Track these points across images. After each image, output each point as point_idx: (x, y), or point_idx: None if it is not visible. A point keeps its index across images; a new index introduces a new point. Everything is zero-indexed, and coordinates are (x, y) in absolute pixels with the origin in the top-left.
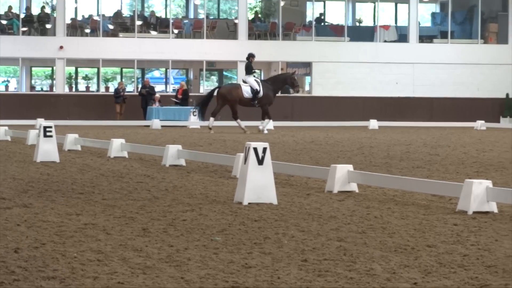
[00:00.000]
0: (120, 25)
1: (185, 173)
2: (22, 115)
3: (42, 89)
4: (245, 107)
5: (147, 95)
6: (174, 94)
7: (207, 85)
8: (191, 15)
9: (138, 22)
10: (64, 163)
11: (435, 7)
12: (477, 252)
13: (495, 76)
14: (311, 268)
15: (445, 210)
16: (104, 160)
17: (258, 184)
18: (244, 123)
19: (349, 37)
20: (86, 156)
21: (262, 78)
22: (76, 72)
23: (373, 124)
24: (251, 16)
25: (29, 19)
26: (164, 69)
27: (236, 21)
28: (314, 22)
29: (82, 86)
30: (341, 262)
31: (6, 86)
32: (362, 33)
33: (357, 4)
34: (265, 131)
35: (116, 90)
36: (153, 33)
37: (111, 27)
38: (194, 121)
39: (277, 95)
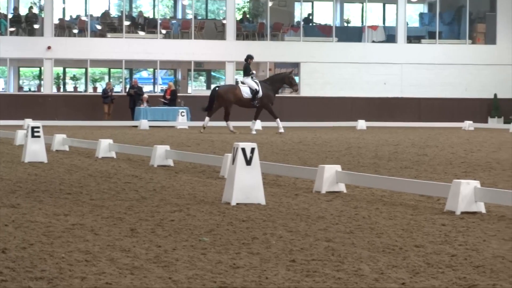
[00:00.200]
0: (108, 25)
1: (173, 174)
2: (10, 115)
3: (30, 90)
4: (244, 107)
5: (135, 96)
6: (162, 94)
7: (195, 86)
8: (179, 16)
9: (126, 23)
10: (52, 164)
11: (423, 8)
12: (465, 252)
13: (483, 77)
14: (299, 268)
15: (433, 210)
16: (92, 160)
17: (246, 184)
18: (232, 123)
19: (337, 37)
20: (74, 157)
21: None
22: (64, 73)
23: (361, 124)
24: (239, 16)
25: (16, 20)
26: (152, 69)
27: (224, 21)
28: (302, 23)
29: (70, 87)
30: (329, 263)
31: None
32: (350, 34)
33: (345, 5)
34: (254, 132)
35: (104, 91)
36: (141, 33)
37: (99, 27)
38: (182, 122)
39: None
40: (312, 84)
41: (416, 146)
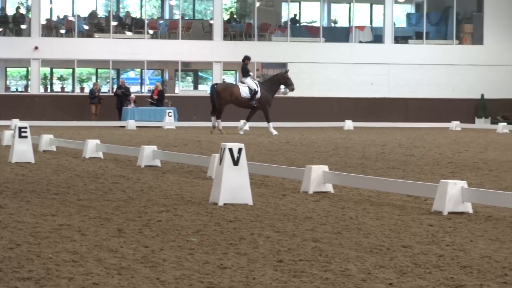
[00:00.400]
0: (95, 25)
1: (161, 174)
2: None
3: (17, 90)
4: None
5: (122, 96)
6: (149, 94)
7: (182, 86)
8: (166, 16)
9: (113, 23)
10: (39, 164)
11: (410, 8)
12: (452, 253)
13: (470, 77)
14: (286, 268)
15: (420, 210)
16: (79, 160)
17: (234, 184)
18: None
19: (324, 37)
20: (61, 157)
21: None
22: (51, 73)
23: (348, 124)
24: (226, 16)
25: (4, 20)
26: (139, 69)
27: (211, 21)
28: (289, 23)
29: (57, 87)
30: (317, 263)
31: None
32: (337, 34)
33: (333, 5)
34: (241, 132)
35: (91, 91)
36: (128, 33)
37: (86, 27)
38: (169, 122)
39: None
40: (299, 85)
41: (403, 146)
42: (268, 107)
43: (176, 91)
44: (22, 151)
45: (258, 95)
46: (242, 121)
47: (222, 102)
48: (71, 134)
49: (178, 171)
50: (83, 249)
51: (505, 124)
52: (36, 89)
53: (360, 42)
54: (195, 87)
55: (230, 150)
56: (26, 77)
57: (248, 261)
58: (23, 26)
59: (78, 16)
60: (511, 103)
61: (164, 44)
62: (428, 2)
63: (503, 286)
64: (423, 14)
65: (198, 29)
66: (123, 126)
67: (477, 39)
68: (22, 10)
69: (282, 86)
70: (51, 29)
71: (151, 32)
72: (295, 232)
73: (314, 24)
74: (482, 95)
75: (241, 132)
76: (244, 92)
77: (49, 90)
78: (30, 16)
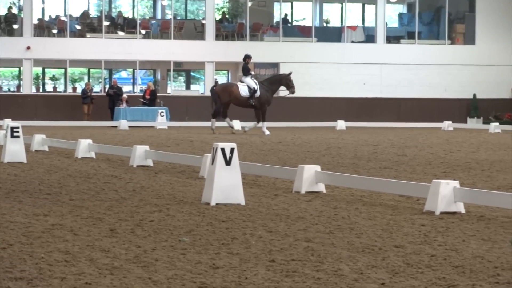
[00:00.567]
0: (88, 25)
1: (153, 174)
2: None
3: (9, 90)
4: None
5: (114, 96)
6: (142, 94)
7: (174, 86)
8: (159, 16)
9: (106, 23)
10: (32, 164)
11: (402, 8)
12: (444, 253)
13: (462, 77)
14: (278, 268)
15: (412, 210)
16: (71, 160)
17: (226, 184)
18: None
19: (317, 37)
20: (54, 157)
21: (230, 79)
22: (43, 73)
23: (341, 124)
24: (218, 16)
25: None
26: (131, 69)
27: (203, 21)
28: (281, 23)
29: (49, 87)
30: (309, 263)
31: None
32: (329, 34)
33: (325, 5)
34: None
35: (83, 91)
36: (121, 33)
37: (78, 27)
38: (161, 122)
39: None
40: None
41: (396, 146)
42: (267, 106)
43: (168, 91)
44: (14, 151)
45: (258, 94)
46: (253, 123)
47: (223, 102)
48: (63, 134)
49: (171, 171)
50: (76, 249)
51: (497, 124)
52: (28, 89)
53: (352, 42)
54: (187, 87)
55: (222, 150)
56: (18, 77)
57: (241, 261)
58: (15, 26)
59: (70, 16)
60: (503, 103)
61: (156, 44)
62: (420, 2)
63: (495, 286)
64: (415, 14)
65: (190, 29)
66: (115, 126)
67: (469, 39)
68: (14, 10)
69: (282, 87)
70: (43, 29)
71: (143, 32)
72: (288, 232)
73: (305, 23)
74: (474, 95)
75: (267, 133)
76: (243, 91)
77: (41, 90)
78: (22, 16)
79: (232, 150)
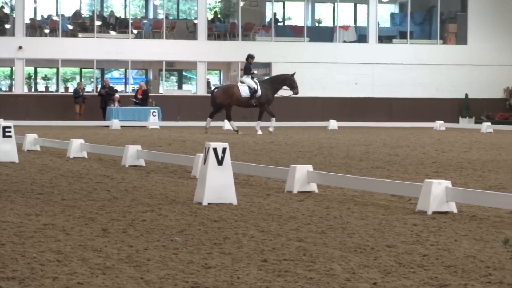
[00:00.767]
0: (80, 25)
1: (145, 174)
2: None
3: (1, 89)
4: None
5: (106, 96)
6: (133, 94)
7: (166, 86)
8: (151, 15)
9: (98, 22)
10: (24, 164)
11: (394, 8)
12: (436, 252)
13: (454, 77)
14: (270, 268)
15: (404, 210)
16: (63, 160)
17: (218, 184)
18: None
19: (309, 37)
20: (46, 157)
21: (222, 80)
22: (35, 72)
23: (333, 124)
24: (210, 16)
25: None
26: (123, 69)
27: (195, 21)
28: (273, 23)
29: (41, 86)
30: (301, 262)
31: None
32: (321, 34)
33: (317, 5)
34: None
35: (75, 90)
36: (113, 33)
37: (70, 27)
38: (153, 122)
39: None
40: None
41: (388, 146)
42: (267, 106)
43: (160, 90)
44: (6, 151)
45: (258, 93)
46: (272, 121)
47: (225, 104)
48: (55, 133)
49: (163, 171)
50: (68, 249)
51: (489, 123)
52: (20, 88)
53: (344, 41)
54: (179, 87)
55: (215, 149)
56: (10, 76)
57: (233, 260)
58: (7, 26)
59: (62, 15)
60: (495, 103)
61: (148, 43)
62: (412, 1)
63: (487, 286)
64: (407, 14)
65: (182, 28)
66: (107, 126)
67: (461, 39)
68: (6, 10)
69: (286, 88)
70: (35, 28)
71: (135, 31)
72: (280, 231)
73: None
74: (466, 95)
75: (260, 133)
76: (244, 92)
77: (33, 89)
78: (14, 15)
79: (224, 149)
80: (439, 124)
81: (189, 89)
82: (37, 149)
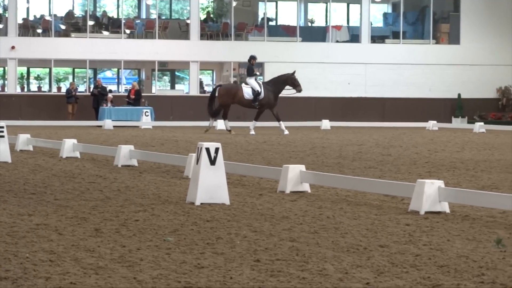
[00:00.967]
0: (72, 25)
1: (138, 174)
2: None
3: None
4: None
5: (99, 95)
6: (126, 94)
7: (159, 86)
8: (143, 15)
9: (90, 22)
10: (16, 164)
11: (387, 8)
12: (429, 252)
13: (446, 77)
14: (263, 268)
15: (397, 210)
16: (56, 160)
17: (211, 184)
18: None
19: (301, 37)
20: (38, 157)
21: (214, 78)
22: (28, 72)
23: (325, 124)
24: (203, 16)
25: None
26: (116, 69)
27: (188, 21)
28: (266, 23)
29: (34, 86)
30: (294, 262)
31: None
32: (314, 34)
33: (309, 5)
34: (285, 132)
35: (68, 90)
36: (105, 33)
37: (63, 27)
38: (146, 122)
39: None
40: None
41: (380, 146)
42: (270, 108)
43: (153, 90)
44: None
45: (261, 96)
46: (281, 125)
47: (225, 103)
48: (48, 133)
49: (155, 171)
50: (60, 249)
51: (481, 123)
52: (13, 88)
53: (337, 41)
54: (172, 87)
55: (207, 149)
56: (3, 76)
57: (225, 260)
58: None
59: (55, 15)
60: (487, 103)
61: (141, 43)
62: (404, 1)
63: (480, 286)
64: (399, 14)
65: (175, 28)
66: (100, 126)
67: (454, 38)
68: None
69: (288, 87)
70: (27, 28)
71: (128, 31)
72: (272, 231)
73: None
74: (459, 95)
75: (286, 132)
76: (247, 93)
77: (26, 89)
78: (6, 15)
79: (216, 149)
80: (431, 124)
81: (181, 89)
82: (30, 149)
